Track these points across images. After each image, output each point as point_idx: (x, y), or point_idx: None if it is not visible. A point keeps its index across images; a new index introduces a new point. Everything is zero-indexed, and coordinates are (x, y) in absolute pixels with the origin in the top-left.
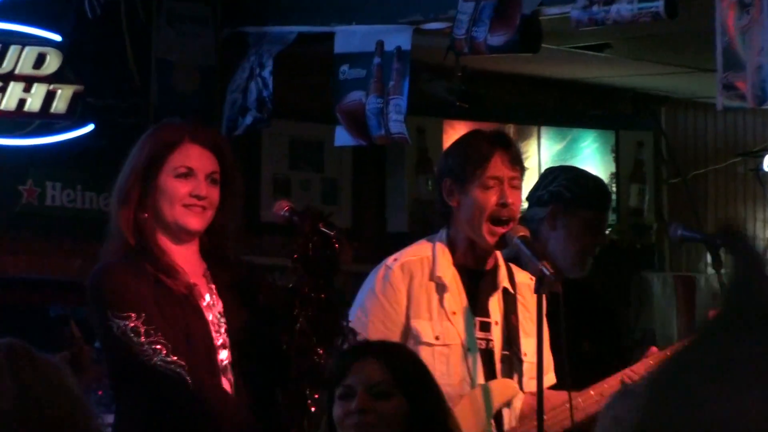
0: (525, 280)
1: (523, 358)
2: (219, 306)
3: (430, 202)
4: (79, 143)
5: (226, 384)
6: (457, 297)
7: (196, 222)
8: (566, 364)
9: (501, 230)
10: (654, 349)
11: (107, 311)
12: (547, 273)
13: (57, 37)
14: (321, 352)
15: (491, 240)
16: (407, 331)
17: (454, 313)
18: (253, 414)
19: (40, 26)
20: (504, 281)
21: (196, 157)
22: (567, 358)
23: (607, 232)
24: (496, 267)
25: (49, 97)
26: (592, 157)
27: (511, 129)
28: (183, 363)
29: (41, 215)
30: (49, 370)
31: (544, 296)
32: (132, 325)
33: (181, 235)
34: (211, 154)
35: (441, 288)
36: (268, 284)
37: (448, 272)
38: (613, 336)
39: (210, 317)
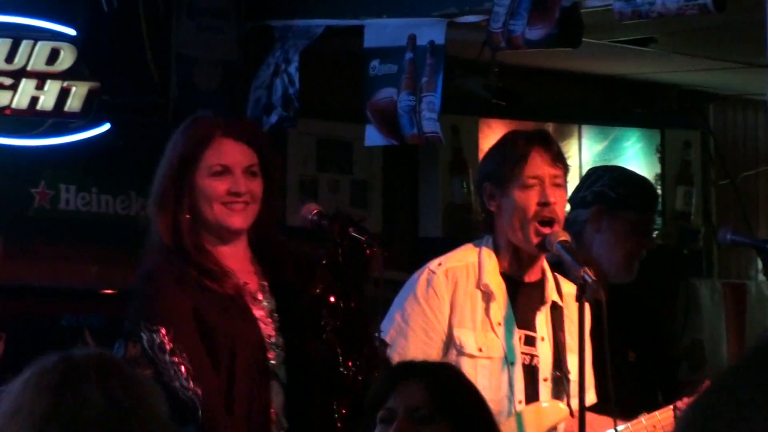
0: (571, 290)
1: (570, 377)
2: (272, 303)
3: (465, 206)
4: (94, 143)
5: (275, 387)
6: (502, 307)
7: (238, 220)
8: (611, 389)
9: (547, 230)
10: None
11: (141, 320)
12: (590, 280)
13: (71, 32)
14: (349, 364)
15: (536, 240)
16: (449, 340)
17: (499, 324)
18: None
19: (54, 20)
20: (553, 294)
21: (230, 153)
22: (611, 380)
23: (653, 235)
24: (543, 278)
25: (63, 94)
26: (636, 158)
27: (550, 128)
28: (200, 392)
29: (55, 219)
30: (136, 385)
31: (586, 305)
32: (159, 340)
33: (225, 234)
34: (247, 147)
35: (487, 296)
36: (323, 272)
37: (495, 280)
38: (660, 346)
39: (262, 315)
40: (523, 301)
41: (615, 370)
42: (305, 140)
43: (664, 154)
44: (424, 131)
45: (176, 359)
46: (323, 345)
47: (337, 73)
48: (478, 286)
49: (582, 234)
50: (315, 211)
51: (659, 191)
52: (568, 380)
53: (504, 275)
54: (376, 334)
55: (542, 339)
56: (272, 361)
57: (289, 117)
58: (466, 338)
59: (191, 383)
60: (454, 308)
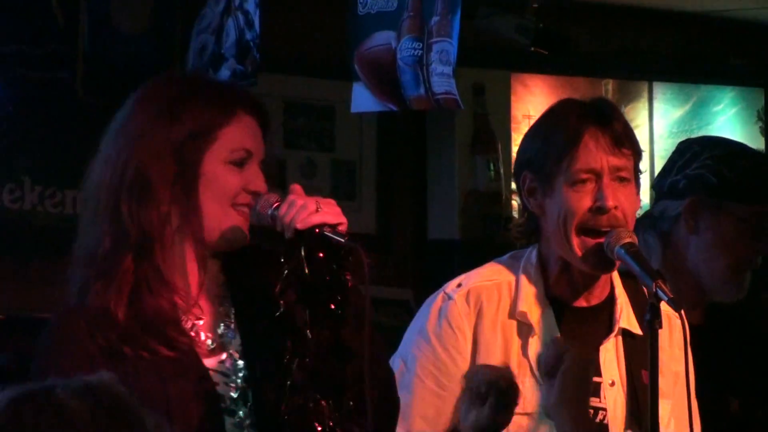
0: (665, 308)
1: None
2: (236, 342)
3: (493, 196)
4: None
5: None
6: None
7: (245, 229)
8: None
9: (594, 242)
10: None
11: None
12: (665, 297)
13: None
14: (325, 412)
15: (581, 254)
16: None
17: None
18: None
19: None
20: (624, 319)
21: (254, 137)
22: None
23: None
24: (611, 299)
25: None
26: (730, 127)
27: (609, 87)
28: None
29: None
30: (133, 419)
31: (663, 331)
32: None
33: (216, 247)
34: (260, 132)
35: (525, 329)
36: (285, 289)
37: (537, 306)
38: None
39: (214, 365)
40: (581, 332)
41: (711, 424)
42: (269, 104)
43: None
44: (434, 92)
45: None
46: (289, 390)
47: (313, 11)
48: (512, 315)
49: (671, 234)
50: (276, 204)
51: None
52: None
53: (552, 299)
54: (361, 375)
55: (611, 384)
56: (244, 422)
57: (245, 72)
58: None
59: None
60: (477, 345)
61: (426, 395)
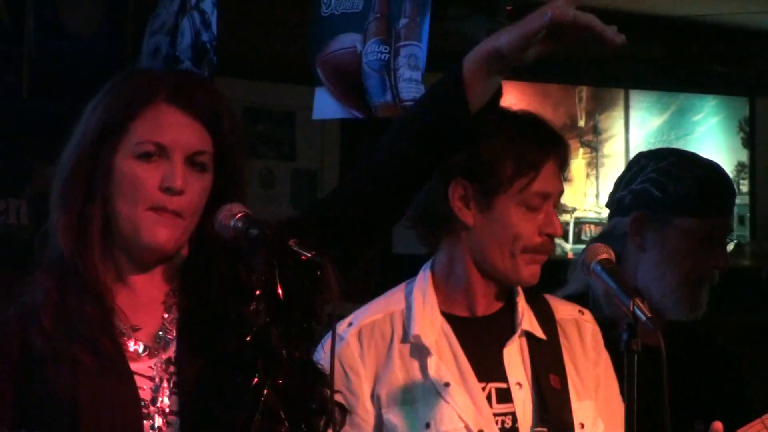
0: (571, 314)
1: None
2: (171, 349)
3: None
4: None
5: None
6: (449, 359)
7: (164, 234)
8: None
9: (540, 258)
10: None
11: None
12: (643, 317)
13: None
14: None
15: (529, 276)
16: (378, 427)
17: (449, 384)
18: None
19: None
20: (525, 322)
21: (171, 128)
22: None
23: (729, 247)
24: (510, 305)
25: None
26: (711, 137)
27: (584, 94)
28: None
29: None
30: None
31: (635, 354)
32: None
33: (142, 254)
34: (199, 124)
35: (423, 351)
36: (258, 307)
37: (432, 325)
38: (742, 411)
39: (145, 370)
40: (483, 341)
41: None
42: None
43: (753, 133)
44: (402, 98)
45: None
46: (259, 412)
47: (273, 11)
48: (408, 340)
49: (623, 252)
50: (239, 215)
51: (744, 187)
52: None
53: (447, 314)
54: (330, 395)
55: (519, 385)
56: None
57: (201, 75)
58: (404, 419)
59: None
60: (377, 383)
61: None
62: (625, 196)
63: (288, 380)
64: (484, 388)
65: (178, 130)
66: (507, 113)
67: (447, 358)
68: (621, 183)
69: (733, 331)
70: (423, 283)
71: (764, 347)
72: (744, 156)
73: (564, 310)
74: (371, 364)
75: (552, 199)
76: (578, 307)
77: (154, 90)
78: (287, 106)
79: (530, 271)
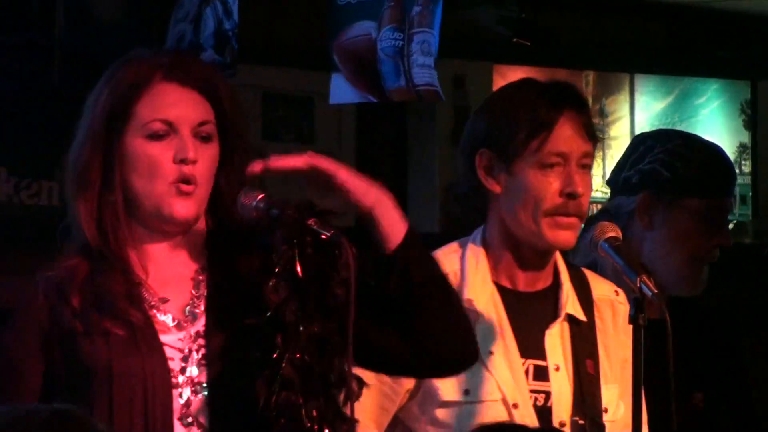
0: (607, 295)
1: (605, 420)
2: (198, 323)
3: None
4: None
5: None
6: (497, 329)
7: (184, 208)
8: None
9: (567, 221)
10: None
11: None
12: (650, 293)
13: None
14: (314, 413)
15: (554, 238)
16: (418, 387)
17: (492, 353)
18: None
19: None
20: (570, 305)
21: (175, 104)
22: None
23: (731, 226)
24: (556, 284)
25: None
26: (714, 119)
27: (590, 78)
28: None
29: None
30: None
31: (642, 327)
32: None
33: (164, 227)
34: (199, 95)
35: (472, 315)
36: (277, 284)
37: (484, 293)
38: (740, 386)
39: (172, 341)
40: (528, 318)
41: (676, 419)
42: (247, 95)
43: (755, 115)
44: (415, 83)
45: None
46: (278, 385)
47: (292, 2)
48: None
49: (627, 231)
50: (260, 197)
51: (745, 168)
52: (600, 425)
53: (497, 284)
54: (348, 370)
55: (557, 368)
56: (193, 400)
57: (224, 62)
58: (444, 381)
59: None
60: None
61: (369, 399)
62: (632, 176)
63: (306, 355)
64: (523, 364)
65: (181, 104)
66: (528, 81)
67: (495, 327)
68: (626, 163)
69: (736, 306)
70: (476, 247)
71: (760, 320)
72: (746, 138)
73: (601, 289)
74: None
75: (572, 159)
76: (614, 287)
77: (151, 71)
78: (306, 92)
79: (555, 236)
